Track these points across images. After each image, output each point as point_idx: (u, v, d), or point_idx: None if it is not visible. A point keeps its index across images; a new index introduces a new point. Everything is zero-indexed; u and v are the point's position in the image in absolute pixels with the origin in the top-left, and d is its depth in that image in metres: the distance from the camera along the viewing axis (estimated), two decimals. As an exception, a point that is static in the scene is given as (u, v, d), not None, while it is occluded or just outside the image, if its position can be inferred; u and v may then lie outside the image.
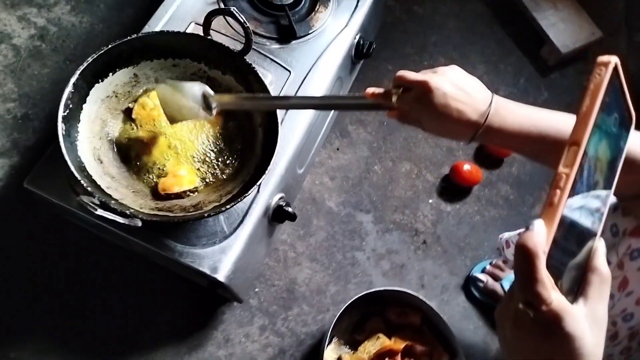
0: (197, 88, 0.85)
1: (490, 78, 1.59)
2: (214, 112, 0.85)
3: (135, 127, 0.92)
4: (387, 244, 1.32)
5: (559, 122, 0.64)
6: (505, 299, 0.39)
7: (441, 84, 0.65)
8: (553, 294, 0.35)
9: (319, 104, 0.85)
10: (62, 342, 1.10)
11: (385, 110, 0.73)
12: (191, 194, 0.90)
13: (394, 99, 0.68)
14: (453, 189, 1.41)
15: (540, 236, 0.35)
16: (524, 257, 0.35)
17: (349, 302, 1.07)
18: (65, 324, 1.11)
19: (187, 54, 0.94)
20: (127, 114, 0.93)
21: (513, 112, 0.65)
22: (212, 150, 0.95)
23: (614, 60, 0.38)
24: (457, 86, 0.65)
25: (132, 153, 0.91)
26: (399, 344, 1.12)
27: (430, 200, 1.39)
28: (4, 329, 1.09)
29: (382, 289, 1.12)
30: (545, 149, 0.65)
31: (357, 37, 1.20)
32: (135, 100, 0.93)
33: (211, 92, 0.85)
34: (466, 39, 1.64)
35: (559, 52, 1.54)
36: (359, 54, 1.22)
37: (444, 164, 1.43)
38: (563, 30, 1.57)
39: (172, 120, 0.88)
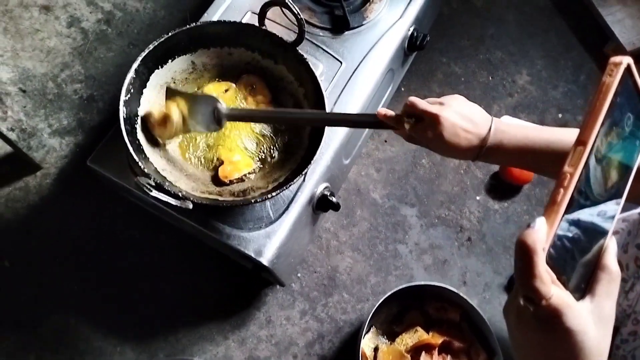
0: (205, 99, 0.86)
1: (549, 73, 1.55)
2: (224, 124, 0.86)
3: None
4: (431, 239, 1.32)
5: (556, 137, 0.69)
6: (511, 295, 0.40)
7: (450, 117, 0.70)
8: (553, 289, 0.36)
9: (326, 119, 0.88)
10: (114, 312, 1.17)
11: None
12: (234, 182, 0.94)
13: (406, 126, 0.74)
14: (502, 187, 1.39)
15: (540, 233, 0.35)
16: (523, 253, 0.35)
17: (389, 293, 1.09)
18: (116, 296, 1.19)
19: (242, 43, 0.98)
20: None
21: (510, 133, 0.71)
22: (262, 139, 0.98)
23: (626, 60, 0.38)
24: (464, 116, 0.71)
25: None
26: (436, 339, 1.13)
27: (478, 197, 1.38)
28: (62, 296, 1.17)
29: (422, 283, 1.13)
30: (545, 164, 0.70)
31: (411, 29, 1.19)
32: None
33: (224, 106, 0.85)
34: (525, 32, 1.59)
35: (624, 49, 1.48)
36: (412, 46, 1.22)
37: (494, 161, 1.41)
38: (630, 27, 1.50)
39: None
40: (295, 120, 0.91)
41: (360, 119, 0.84)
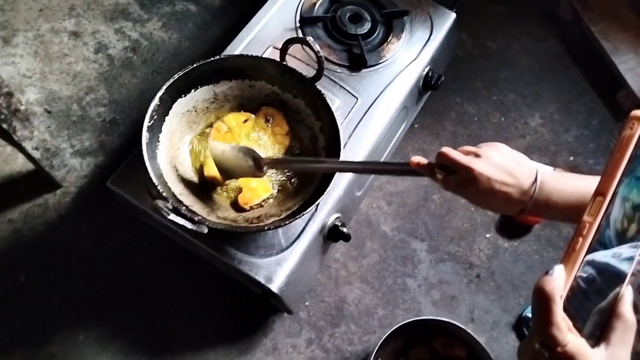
0: (245, 151, 0.90)
1: (562, 117, 1.57)
2: (265, 171, 0.89)
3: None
4: (440, 274, 1.32)
5: None
6: (527, 338, 0.41)
7: (485, 170, 0.65)
8: (569, 337, 0.37)
9: (362, 168, 0.88)
10: (123, 331, 1.18)
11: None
12: (254, 208, 0.96)
13: (438, 177, 0.69)
14: (512, 225, 1.40)
15: (559, 281, 0.37)
16: (541, 301, 0.37)
17: (396, 326, 1.09)
18: (126, 315, 1.20)
19: (263, 76, 1.01)
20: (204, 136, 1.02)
21: (559, 187, 0.65)
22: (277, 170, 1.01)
23: None
24: (502, 169, 0.65)
25: (204, 166, 0.98)
26: (441, 375, 1.13)
27: (488, 235, 1.39)
28: (74, 313, 1.19)
29: (430, 317, 1.13)
30: None
31: (427, 69, 1.23)
32: (210, 125, 1.01)
33: (260, 155, 0.89)
34: (538, 76, 1.63)
35: (635, 97, 1.50)
36: (426, 85, 1.25)
37: (504, 200, 1.43)
38: (642, 75, 1.53)
39: (227, 176, 0.95)
40: (329, 170, 0.91)
41: (395, 168, 0.79)
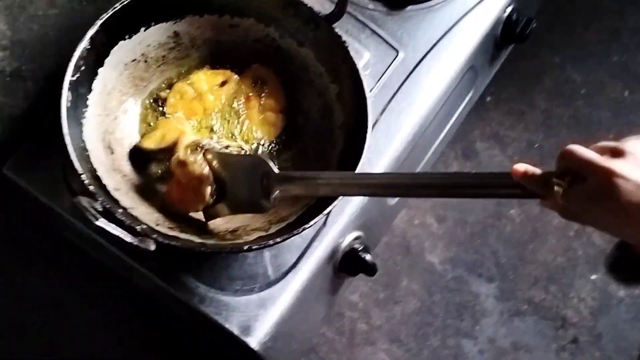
0: (252, 162, 0.88)
1: None
2: (273, 201, 0.85)
3: (164, 116, 1.01)
4: (515, 335, 1.33)
5: None
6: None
7: (633, 174, 0.63)
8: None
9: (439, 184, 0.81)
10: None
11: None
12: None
13: (556, 190, 0.68)
14: (632, 263, 1.40)
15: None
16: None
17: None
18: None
19: (253, 11, 1.02)
20: (158, 102, 1.03)
21: None
22: (267, 153, 1.02)
23: None
24: None
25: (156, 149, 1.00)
26: None
27: (593, 277, 1.39)
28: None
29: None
30: None
31: (509, 9, 1.23)
32: (169, 86, 1.02)
33: (275, 169, 0.85)
34: (687, 28, 1.63)
35: None
36: (508, 34, 1.26)
37: (622, 222, 1.43)
38: None
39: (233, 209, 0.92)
40: (371, 191, 0.92)
41: (481, 182, 0.78)
